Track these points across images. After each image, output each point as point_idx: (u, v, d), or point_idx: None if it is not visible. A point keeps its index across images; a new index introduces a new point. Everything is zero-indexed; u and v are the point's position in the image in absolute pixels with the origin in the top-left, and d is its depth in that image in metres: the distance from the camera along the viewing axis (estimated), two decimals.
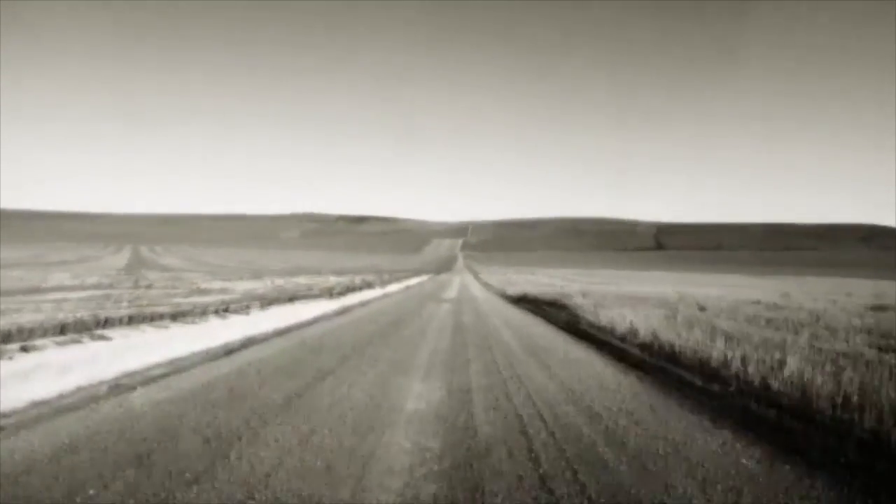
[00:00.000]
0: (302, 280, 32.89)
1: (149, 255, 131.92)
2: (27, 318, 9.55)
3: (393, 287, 34.67)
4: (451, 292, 28.36)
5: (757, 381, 5.93)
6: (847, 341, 8.79)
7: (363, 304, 18.88)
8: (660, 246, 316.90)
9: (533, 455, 3.91)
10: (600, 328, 11.57)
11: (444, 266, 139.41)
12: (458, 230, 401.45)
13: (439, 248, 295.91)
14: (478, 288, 36.18)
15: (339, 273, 58.80)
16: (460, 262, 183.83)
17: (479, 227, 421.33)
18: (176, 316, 11.90)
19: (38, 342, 7.97)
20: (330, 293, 23.58)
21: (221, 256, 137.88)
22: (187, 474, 3.39)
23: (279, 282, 29.45)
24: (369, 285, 31.86)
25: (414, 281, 46.54)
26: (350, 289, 27.80)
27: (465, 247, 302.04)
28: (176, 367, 6.68)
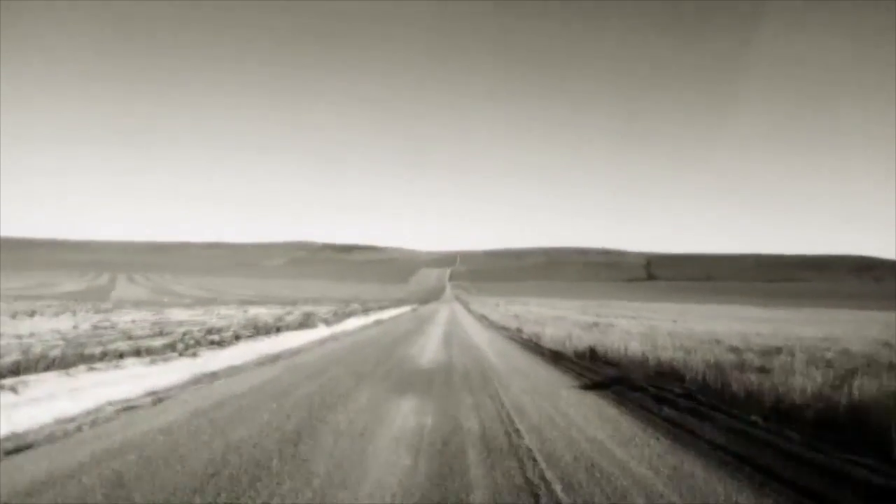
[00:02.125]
0: (196, 316, 22.22)
1: (126, 283, 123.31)
2: None
3: (352, 323, 24.08)
4: (434, 339, 17.43)
5: None
6: None
7: (202, 381, 8.38)
8: (650, 276, 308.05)
9: None
10: None
11: (432, 295, 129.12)
12: (447, 259, 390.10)
13: (427, 277, 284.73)
14: (477, 329, 24.03)
15: (296, 303, 48.32)
16: (448, 291, 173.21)
17: (468, 256, 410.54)
18: None
19: None
20: (214, 342, 13.02)
21: (193, 286, 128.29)
22: None
23: (160, 317, 18.76)
24: (308, 323, 21.22)
25: (387, 315, 35.74)
26: (269, 330, 17.24)
27: (453, 276, 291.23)
28: None
